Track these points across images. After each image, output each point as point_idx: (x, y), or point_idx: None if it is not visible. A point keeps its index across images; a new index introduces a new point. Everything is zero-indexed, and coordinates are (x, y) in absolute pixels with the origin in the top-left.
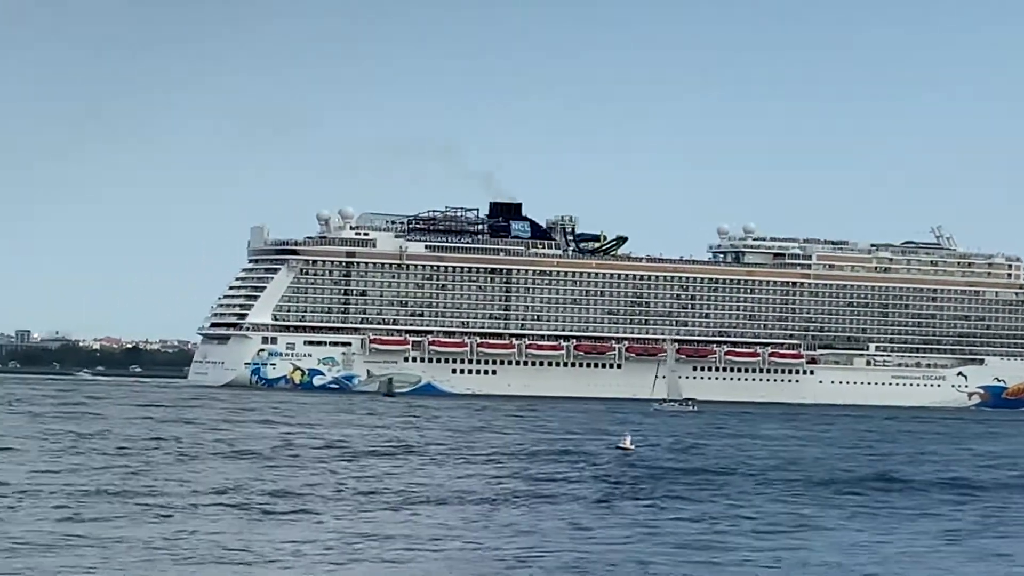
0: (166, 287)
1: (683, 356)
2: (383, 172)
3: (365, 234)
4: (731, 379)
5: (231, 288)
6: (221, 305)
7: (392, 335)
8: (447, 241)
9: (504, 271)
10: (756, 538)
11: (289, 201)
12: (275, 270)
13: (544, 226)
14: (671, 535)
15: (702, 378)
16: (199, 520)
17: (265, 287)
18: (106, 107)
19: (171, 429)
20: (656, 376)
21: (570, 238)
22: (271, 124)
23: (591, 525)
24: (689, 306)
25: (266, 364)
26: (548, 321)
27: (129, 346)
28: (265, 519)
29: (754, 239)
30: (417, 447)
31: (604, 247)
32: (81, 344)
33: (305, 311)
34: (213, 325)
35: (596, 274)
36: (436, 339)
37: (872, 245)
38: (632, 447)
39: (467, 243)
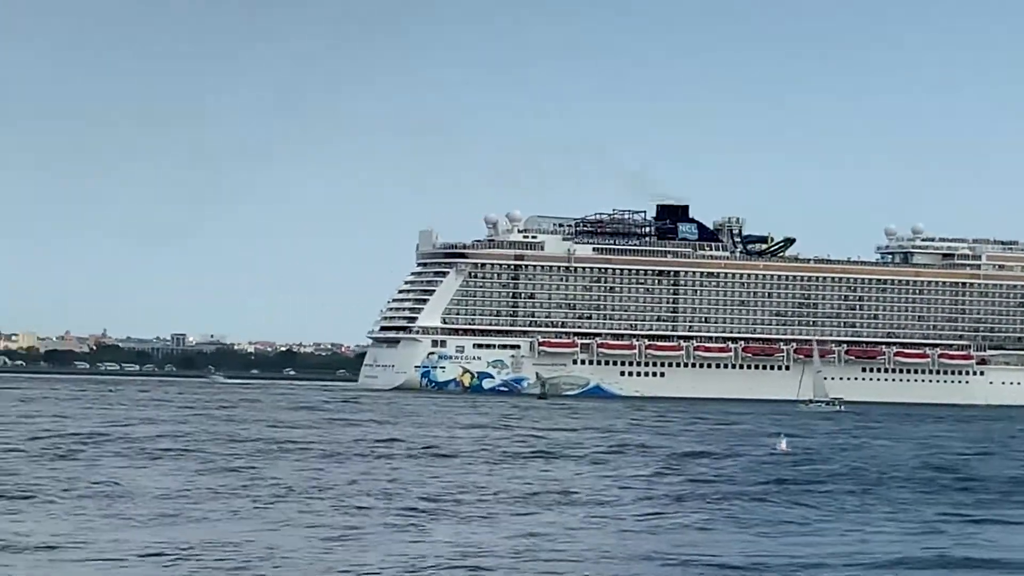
0: (320, 290)
1: (852, 357)
2: (545, 174)
3: (533, 237)
4: (900, 380)
5: (400, 292)
6: (391, 308)
7: (560, 338)
8: (615, 244)
9: (672, 273)
10: (912, 539)
11: (455, 204)
12: (444, 273)
13: (711, 228)
14: (829, 537)
15: (871, 379)
16: (365, 518)
17: (434, 290)
18: (267, 110)
19: (336, 431)
20: (802, 376)
21: (737, 240)
22: (436, 128)
23: (750, 529)
24: (857, 307)
25: (436, 367)
26: (716, 323)
27: (283, 349)
28: (434, 521)
29: (922, 239)
30: (573, 448)
31: (771, 248)
32: (236, 347)
33: (474, 314)
34: (383, 328)
35: (764, 276)
36: (604, 341)
37: None
38: (788, 449)
39: (635, 245)
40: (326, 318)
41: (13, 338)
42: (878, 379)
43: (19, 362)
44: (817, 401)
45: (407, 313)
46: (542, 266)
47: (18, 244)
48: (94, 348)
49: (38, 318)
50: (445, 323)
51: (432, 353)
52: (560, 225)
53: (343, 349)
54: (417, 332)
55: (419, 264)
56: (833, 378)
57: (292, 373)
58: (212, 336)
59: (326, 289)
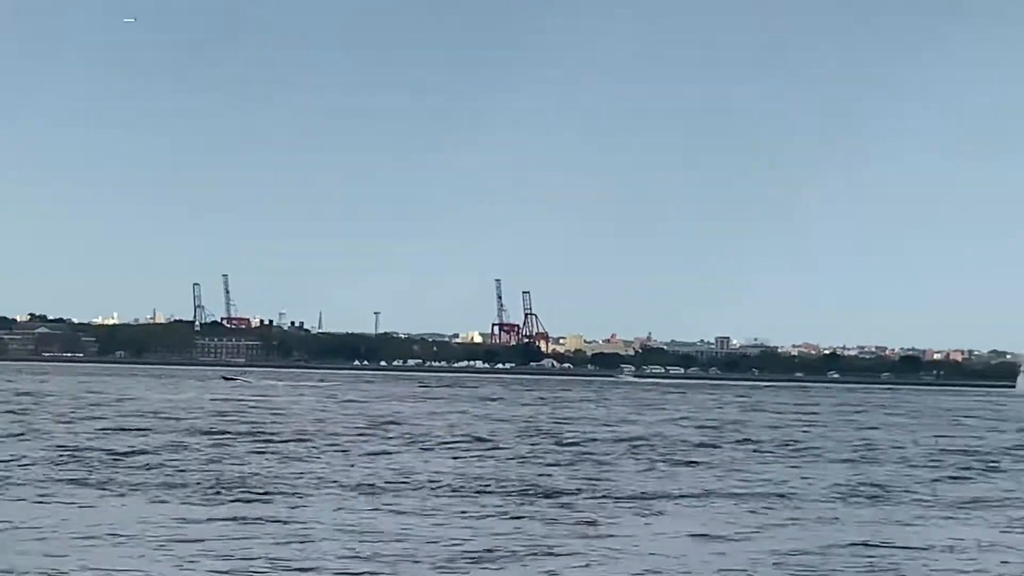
0: (863, 291)
1: None
2: None
3: None
4: None
5: None
6: None
7: None
8: None
9: None
10: None
11: None
12: None
13: None
14: None
15: None
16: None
17: None
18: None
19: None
20: None
21: None
22: None
23: None
24: None
25: None
26: None
27: (827, 352)
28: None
29: None
30: None
31: None
32: (779, 350)
33: None
34: None
35: None
36: None
37: None
38: None
39: None
40: (871, 321)
41: (561, 341)
42: None
43: (566, 364)
44: None
45: None
46: None
47: (592, 248)
48: (639, 351)
49: (585, 322)
50: None
51: None
52: None
53: (886, 352)
54: None
55: None
56: None
57: (835, 376)
58: (756, 339)
59: (864, 291)
